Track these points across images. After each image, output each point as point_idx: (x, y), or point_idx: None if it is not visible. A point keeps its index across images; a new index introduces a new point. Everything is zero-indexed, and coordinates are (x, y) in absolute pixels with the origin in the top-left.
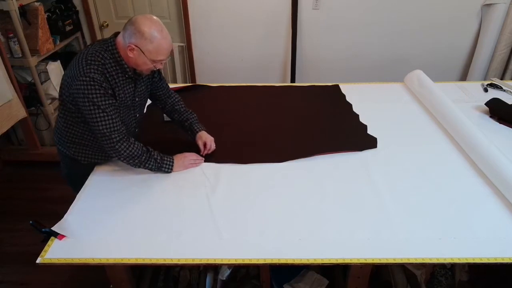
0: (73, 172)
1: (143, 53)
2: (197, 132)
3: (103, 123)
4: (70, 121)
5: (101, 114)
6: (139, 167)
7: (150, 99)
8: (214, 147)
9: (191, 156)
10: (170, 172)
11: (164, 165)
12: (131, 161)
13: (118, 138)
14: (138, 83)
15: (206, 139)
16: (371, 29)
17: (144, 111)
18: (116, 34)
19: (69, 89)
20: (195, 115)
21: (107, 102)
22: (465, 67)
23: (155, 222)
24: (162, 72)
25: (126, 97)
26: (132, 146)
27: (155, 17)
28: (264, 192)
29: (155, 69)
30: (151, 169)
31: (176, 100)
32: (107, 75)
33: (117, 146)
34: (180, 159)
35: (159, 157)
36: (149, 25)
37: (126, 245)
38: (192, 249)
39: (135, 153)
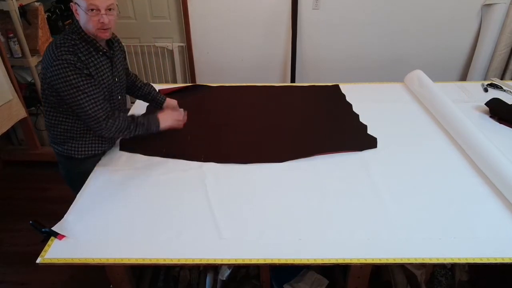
0: (71, 171)
1: (79, 6)
2: (163, 101)
3: (86, 104)
4: (56, 116)
5: (82, 95)
6: (131, 136)
7: None
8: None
9: (175, 112)
10: (158, 129)
11: (152, 125)
12: (120, 134)
13: (104, 116)
14: (114, 62)
15: (173, 105)
16: (371, 29)
17: (125, 95)
18: None
19: (46, 79)
20: (153, 87)
21: (85, 81)
22: (465, 67)
23: (155, 222)
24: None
25: (104, 77)
26: (118, 120)
27: None
28: (264, 192)
29: (100, 24)
30: (143, 133)
31: (134, 77)
32: (80, 55)
33: (103, 124)
34: (164, 114)
35: (145, 121)
36: None
37: (126, 245)
38: (192, 249)
39: (123, 125)
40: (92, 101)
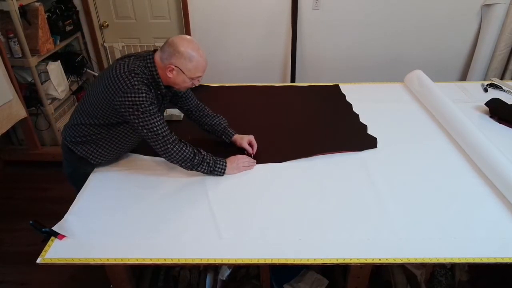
0: (78, 171)
1: (182, 72)
2: (233, 134)
3: (158, 127)
4: (91, 122)
5: (154, 120)
6: (191, 169)
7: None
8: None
9: (244, 158)
10: (222, 175)
11: (217, 169)
12: (183, 164)
13: (171, 140)
14: (164, 99)
15: (248, 138)
16: (371, 29)
17: None
18: (154, 51)
19: (108, 100)
20: (225, 119)
21: (155, 109)
22: (465, 67)
23: (155, 222)
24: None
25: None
26: (184, 148)
27: (189, 37)
28: (264, 192)
29: (192, 86)
30: (203, 172)
31: (202, 106)
32: (150, 87)
33: (170, 148)
34: (233, 161)
35: (211, 160)
36: (186, 45)
37: (126, 245)
38: (192, 249)
39: (188, 156)
40: (163, 125)
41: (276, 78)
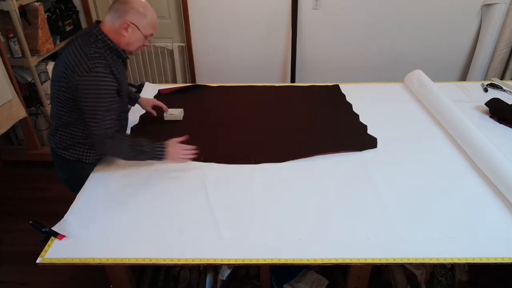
0: (75, 176)
1: (138, 29)
2: (138, 97)
3: (103, 118)
4: (70, 119)
5: (103, 110)
6: (129, 160)
7: None
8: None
9: (183, 150)
10: (162, 160)
11: (157, 155)
12: (118, 157)
13: (111, 134)
14: (126, 66)
15: (153, 102)
16: (371, 29)
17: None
18: (98, 23)
19: (70, 86)
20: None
21: (110, 98)
22: (465, 67)
23: (155, 222)
24: None
25: (124, 83)
26: (122, 143)
27: None
28: (264, 192)
29: (143, 46)
30: (142, 160)
31: None
32: (112, 69)
33: (107, 141)
34: (174, 148)
35: (149, 149)
36: (139, 2)
37: (126, 245)
38: (192, 249)
39: (125, 149)
40: (108, 118)
41: (276, 78)
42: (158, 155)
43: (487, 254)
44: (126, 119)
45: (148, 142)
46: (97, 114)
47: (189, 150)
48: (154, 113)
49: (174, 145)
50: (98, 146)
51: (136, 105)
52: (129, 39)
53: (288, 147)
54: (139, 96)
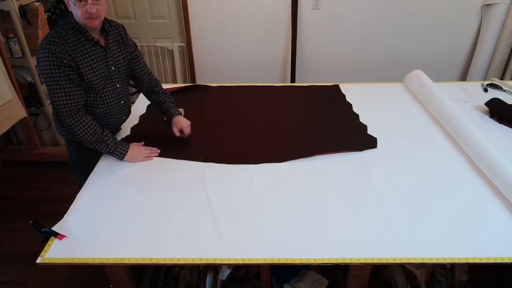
0: (79, 158)
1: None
2: (173, 116)
3: (56, 95)
4: None
5: (55, 86)
6: (90, 146)
7: (131, 80)
8: (189, 132)
9: (146, 150)
10: (121, 159)
11: (117, 152)
12: (81, 139)
13: (69, 113)
14: (109, 50)
15: (182, 124)
16: (371, 29)
17: (127, 88)
18: None
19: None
20: (172, 98)
21: (62, 74)
22: (465, 67)
23: (155, 222)
24: (140, 50)
25: (95, 66)
26: (83, 124)
27: None
28: (264, 192)
29: (87, 12)
30: (101, 152)
31: (155, 82)
32: (69, 48)
33: (68, 121)
34: (134, 151)
35: (112, 143)
36: None
37: (126, 245)
38: (192, 249)
39: (85, 132)
40: (63, 94)
41: (276, 78)
42: (119, 152)
43: (487, 254)
44: (120, 97)
45: (113, 137)
46: (51, 90)
47: (151, 150)
48: (178, 134)
49: (135, 147)
50: (63, 122)
51: (136, 105)
52: (75, 14)
53: (288, 147)
54: (177, 114)
